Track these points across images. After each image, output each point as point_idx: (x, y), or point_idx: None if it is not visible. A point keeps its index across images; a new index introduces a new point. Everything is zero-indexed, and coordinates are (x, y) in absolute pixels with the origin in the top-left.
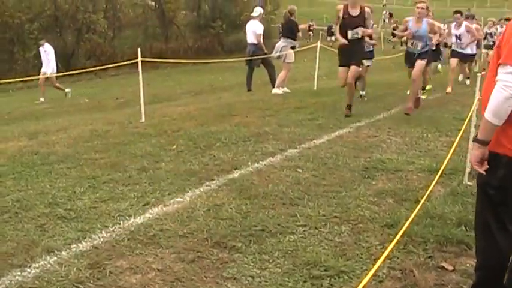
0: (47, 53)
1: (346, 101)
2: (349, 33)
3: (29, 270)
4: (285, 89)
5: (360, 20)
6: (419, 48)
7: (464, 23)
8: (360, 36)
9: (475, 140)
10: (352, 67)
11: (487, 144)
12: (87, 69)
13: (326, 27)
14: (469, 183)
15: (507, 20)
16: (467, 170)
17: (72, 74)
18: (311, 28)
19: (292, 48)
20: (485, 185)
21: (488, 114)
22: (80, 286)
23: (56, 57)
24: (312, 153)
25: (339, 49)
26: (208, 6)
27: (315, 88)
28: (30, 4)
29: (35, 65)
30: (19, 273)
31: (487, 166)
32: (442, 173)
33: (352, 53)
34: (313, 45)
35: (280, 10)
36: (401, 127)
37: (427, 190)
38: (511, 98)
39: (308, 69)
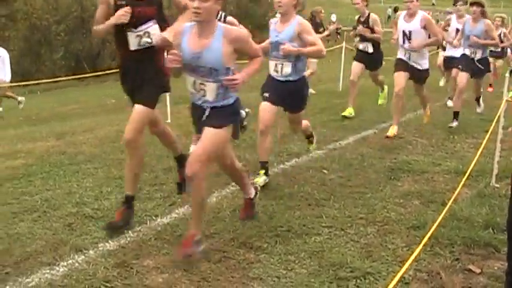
0: (2, 58)
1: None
2: (130, 39)
3: (57, 268)
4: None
5: (147, 8)
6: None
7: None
8: (152, 42)
9: None
10: (139, 109)
11: None
12: (114, 70)
13: (351, 28)
14: (496, 185)
15: None
16: (495, 171)
17: (99, 75)
18: (338, 31)
19: None
20: None
21: None
22: (108, 285)
23: (82, 58)
24: (337, 155)
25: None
26: (233, 7)
27: (340, 89)
28: (57, 6)
29: (62, 66)
30: (48, 271)
31: None
32: (469, 175)
33: (140, 80)
34: (338, 46)
35: (306, 10)
36: (427, 128)
37: (453, 192)
38: None
39: (333, 70)
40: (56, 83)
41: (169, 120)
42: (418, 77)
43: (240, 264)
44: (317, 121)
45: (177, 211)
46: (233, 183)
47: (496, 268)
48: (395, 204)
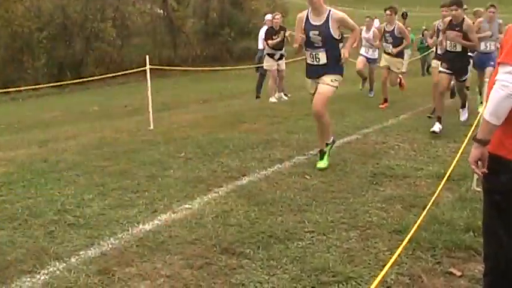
0: None
1: None
2: None
3: (38, 276)
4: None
5: None
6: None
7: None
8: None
9: (474, 139)
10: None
11: (486, 144)
12: (96, 77)
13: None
14: (477, 188)
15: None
16: (476, 175)
17: (82, 82)
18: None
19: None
20: (490, 191)
21: (486, 114)
22: None
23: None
24: None
25: None
26: (216, 14)
27: None
28: (39, 13)
29: (44, 74)
30: (28, 279)
31: (485, 170)
32: (450, 178)
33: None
34: None
35: (288, 18)
36: (409, 133)
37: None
38: (509, 98)
39: None
40: (38, 91)
41: (152, 127)
42: None
43: (222, 270)
44: (300, 127)
45: (159, 218)
46: (215, 189)
47: (476, 271)
48: (378, 208)
